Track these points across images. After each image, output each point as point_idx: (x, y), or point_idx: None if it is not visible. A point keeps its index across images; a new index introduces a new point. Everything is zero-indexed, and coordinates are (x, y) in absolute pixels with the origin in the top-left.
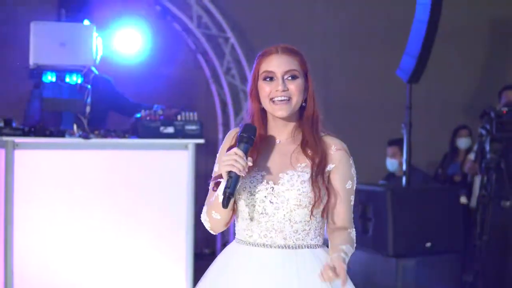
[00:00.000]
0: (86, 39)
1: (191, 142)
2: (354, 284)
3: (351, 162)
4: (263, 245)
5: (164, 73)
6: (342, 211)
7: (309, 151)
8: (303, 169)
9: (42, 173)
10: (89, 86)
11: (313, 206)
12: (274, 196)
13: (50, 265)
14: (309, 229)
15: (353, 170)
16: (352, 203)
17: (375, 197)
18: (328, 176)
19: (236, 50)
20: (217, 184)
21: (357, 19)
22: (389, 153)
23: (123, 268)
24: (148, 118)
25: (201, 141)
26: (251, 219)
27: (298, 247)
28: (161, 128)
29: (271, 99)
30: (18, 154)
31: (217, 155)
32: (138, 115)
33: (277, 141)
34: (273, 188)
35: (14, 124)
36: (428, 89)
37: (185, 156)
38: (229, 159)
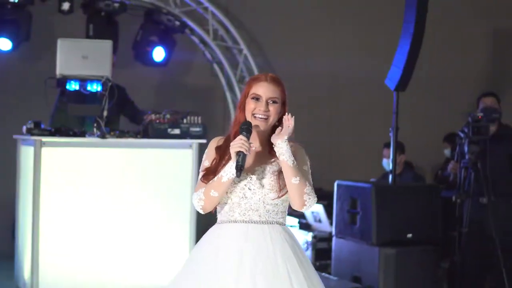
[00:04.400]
0: (104, 53)
1: (195, 142)
2: (343, 270)
3: (306, 156)
4: (242, 221)
5: (183, 81)
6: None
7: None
8: (273, 164)
9: (65, 168)
10: (106, 94)
11: (280, 190)
12: (252, 184)
13: (72, 247)
14: (278, 210)
15: (307, 161)
16: (310, 181)
17: (363, 192)
18: None
19: (249, 61)
20: (205, 176)
21: (363, 32)
22: (385, 154)
23: (133, 252)
24: (157, 121)
25: (204, 141)
26: (233, 203)
27: (270, 222)
28: (169, 130)
29: (253, 114)
30: (45, 151)
31: (204, 155)
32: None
33: (253, 147)
34: (251, 177)
35: (42, 126)
36: (430, 97)
37: (189, 154)
38: (237, 143)
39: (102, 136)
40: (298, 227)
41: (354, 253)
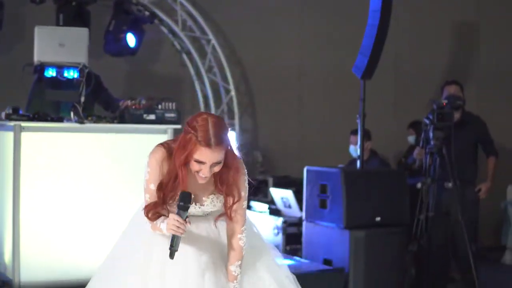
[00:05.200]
0: (81, 41)
1: (170, 127)
2: (313, 253)
3: (245, 177)
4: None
5: (153, 71)
6: (238, 217)
7: (224, 189)
8: (220, 195)
9: (45, 152)
10: (84, 79)
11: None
12: (202, 211)
13: (52, 228)
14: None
15: (246, 184)
16: (245, 207)
17: (332, 177)
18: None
19: (217, 51)
20: (151, 208)
21: (330, 24)
22: (352, 141)
23: (112, 235)
24: (133, 106)
25: (178, 126)
26: None
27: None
28: (145, 115)
29: (197, 172)
30: (25, 136)
31: (147, 174)
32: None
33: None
34: (200, 207)
35: (20, 112)
36: (398, 84)
37: (165, 139)
38: (173, 225)
39: (80, 121)
40: (268, 213)
41: (324, 237)
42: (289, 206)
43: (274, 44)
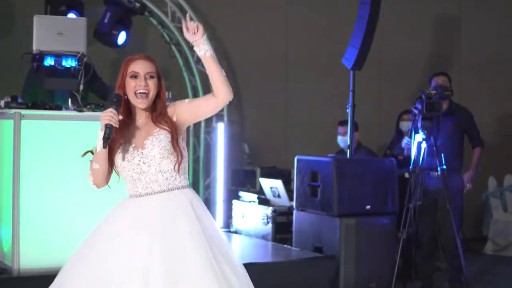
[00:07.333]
0: (80, 30)
1: None
2: (304, 241)
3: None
4: (146, 194)
5: None
6: (193, 105)
7: (162, 123)
8: (159, 133)
9: (44, 139)
10: (82, 68)
11: (178, 160)
12: (145, 157)
13: (51, 215)
14: (176, 175)
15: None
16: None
17: (323, 166)
18: (177, 123)
19: None
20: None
21: (316, 14)
22: (340, 131)
23: None
24: None
25: None
26: (135, 180)
27: (170, 190)
28: None
29: (135, 93)
30: (24, 123)
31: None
32: None
33: (138, 122)
34: (142, 152)
35: (19, 100)
36: (383, 78)
37: None
38: (107, 115)
39: (79, 109)
40: (257, 203)
41: (315, 225)
42: (278, 196)
43: (261, 36)
